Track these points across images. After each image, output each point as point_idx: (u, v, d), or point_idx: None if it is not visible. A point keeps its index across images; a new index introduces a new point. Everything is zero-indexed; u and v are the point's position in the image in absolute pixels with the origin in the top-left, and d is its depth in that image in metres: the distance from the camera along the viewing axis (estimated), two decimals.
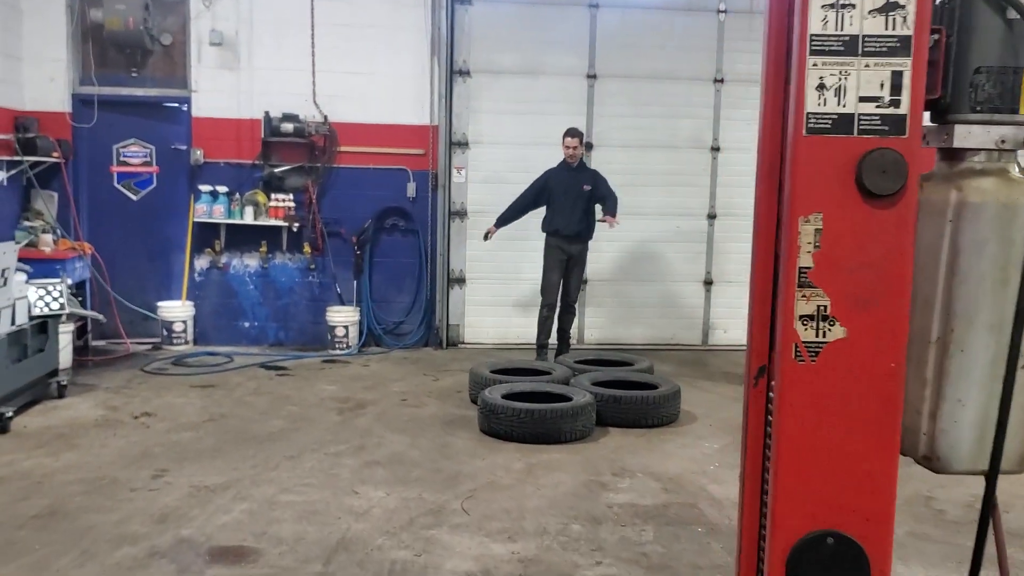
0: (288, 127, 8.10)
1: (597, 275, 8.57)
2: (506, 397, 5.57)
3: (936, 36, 1.51)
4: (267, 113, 8.09)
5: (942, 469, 1.64)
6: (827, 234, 1.40)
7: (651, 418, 5.71)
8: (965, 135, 1.62)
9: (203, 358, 7.73)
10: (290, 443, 5.28)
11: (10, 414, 5.43)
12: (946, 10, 1.55)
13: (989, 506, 1.60)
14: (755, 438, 1.55)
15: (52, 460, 4.90)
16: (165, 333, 8.09)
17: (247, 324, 8.40)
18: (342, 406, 6.18)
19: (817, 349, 1.41)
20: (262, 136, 8.12)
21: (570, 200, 7.43)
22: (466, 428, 5.64)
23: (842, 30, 1.38)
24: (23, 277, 6.18)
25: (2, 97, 7.61)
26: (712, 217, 8.70)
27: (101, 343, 8.12)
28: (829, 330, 1.41)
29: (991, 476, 1.59)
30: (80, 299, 7.07)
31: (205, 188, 8.12)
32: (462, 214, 8.46)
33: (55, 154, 7.81)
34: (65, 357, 6.92)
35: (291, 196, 8.19)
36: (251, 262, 8.38)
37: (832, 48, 1.38)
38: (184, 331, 8.11)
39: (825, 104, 1.39)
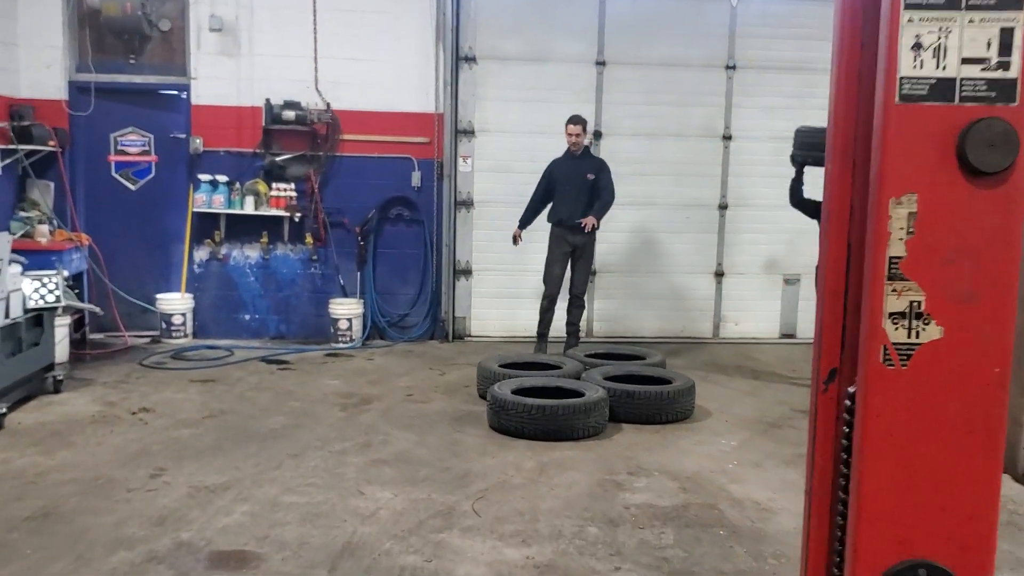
0: (289, 115, 7.91)
1: (606, 266, 8.39)
2: (516, 393, 5.39)
3: None
4: (268, 100, 7.90)
5: None
6: (923, 218, 1.21)
7: (665, 414, 5.53)
8: None
9: (203, 351, 7.55)
10: (293, 440, 5.11)
11: (4, 410, 5.26)
12: None
13: None
14: (824, 451, 1.37)
15: (47, 459, 4.72)
16: (164, 326, 7.91)
17: (248, 317, 8.22)
18: (346, 402, 6.01)
19: (909, 351, 1.23)
20: (263, 124, 7.94)
21: (573, 189, 7.25)
22: (475, 424, 5.46)
23: None
24: (18, 269, 5.99)
25: None
26: (723, 207, 8.50)
27: (99, 336, 7.95)
28: (923, 329, 1.23)
29: None
30: (77, 291, 6.90)
31: (205, 177, 7.93)
32: (468, 204, 8.27)
33: (51, 143, 7.63)
34: (62, 351, 6.75)
35: (293, 185, 8.01)
36: (252, 253, 8.19)
37: (931, 1, 1.19)
38: (183, 324, 7.93)
39: (922, 67, 1.20)
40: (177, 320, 7.91)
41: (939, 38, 1.20)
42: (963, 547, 1.18)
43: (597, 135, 8.28)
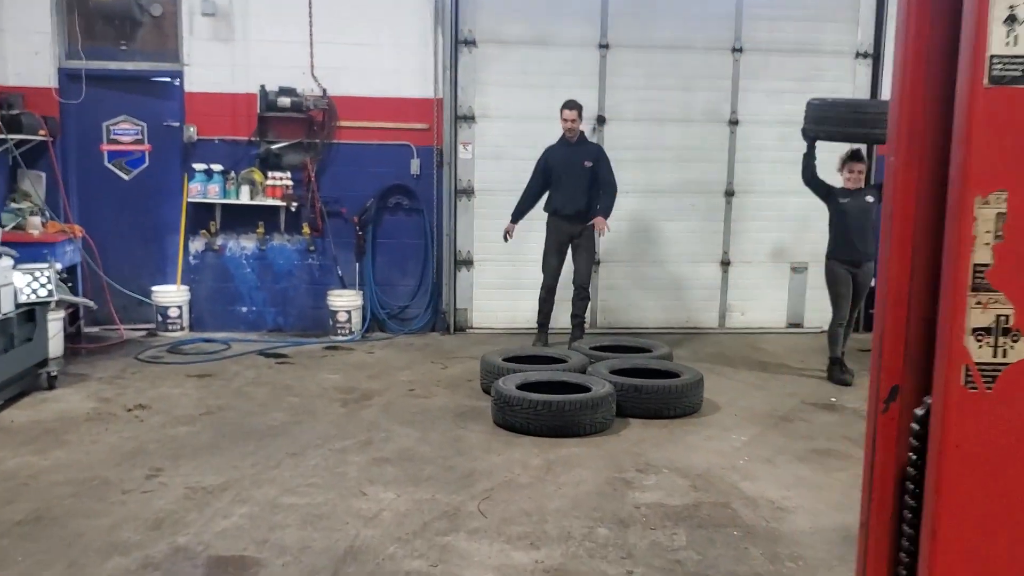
0: (285, 101, 7.72)
1: (609, 256, 8.24)
2: (521, 388, 5.25)
3: None
4: (263, 87, 7.71)
5: None
6: (1014, 220, 1.06)
7: (673, 408, 5.40)
8: None
9: (199, 345, 7.41)
10: (292, 438, 4.98)
11: None
12: None
13: None
14: (884, 481, 1.22)
15: (40, 459, 4.59)
16: (160, 319, 7.77)
17: (244, 309, 8.07)
18: (346, 397, 5.87)
19: (995, 372, 1.08)
20: (258, 111, 7.75)
21: (570, 178, 7.09)
22: (479, 420, 5.32)
23: None
24: (9, 262, 5.83)
25: None
26: (730, 194, 8.34)
27: (94, 330, 7.81)
28: (1011, 347, 1.08)
29: None
30: (70, 285, 6.74)
31: (199, 167, 7.76)
32: (469, 192, 8.11)
33: (42, 132, 7.46)
34: (55, 346, 6.60)
35: (289, 174, 7.83)
36: (248, 244, 8.03)
37: None
38: (179, 317, 7.79)
39: (1016, 43, 1.05)
40: (173, 313, 7.77)
41: None
42: None
43: (600, 120, 8.11)
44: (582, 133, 7.25)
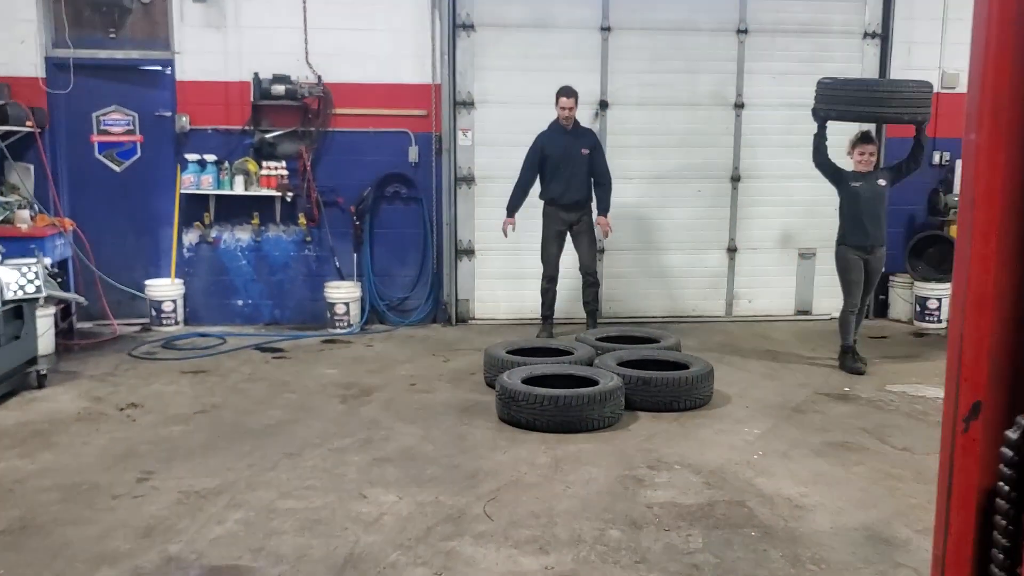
0: (279, 89, 7.52)
1: (613, 244, 8.05)
2: (526, 381, 5.09)
3: None
4: (256, 75, 7.51)
5: None
6: None
7: (683, 401, 5.23)
8: None
9: (194, 340, 7.24)
10: (289, 437, 4.81)
11: None
12: None
13: None
14: (965, 509, 1.05)
15: (27, 462, 4.42)
16: (154, 313, 7.59)
17: (240, 302, 7.89)
18: (345, 393, 5.70)
19: None
20: (251, 100, 7.55)
21: (568, 166, 6.95)
22: (483, 416, 5.16)
23: None
24: None
25: None
26: (736, 179, 8.14)
27: (87, 325, 7.63)
28: None
29: None
30: (60, 280, 6.55)
31: (192, 157, 7.56)
32: (469, 180, 7.91)
33: (29, 123, 7.26)
34: (46, 343, 6.44)
35: (284, 164, 7.64)
36: (243, 235, 7.84)
37: None
38: (174, 311, 7.61)
39: None
40: (167, 307, 7.59)
41: None
42: None
43: (603, 105, 7.90)
44: (576, 119, 7.08)
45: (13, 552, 3.45)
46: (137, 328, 7.60)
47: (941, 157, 8.23)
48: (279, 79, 7.54)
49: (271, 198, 7.68)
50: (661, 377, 5.23)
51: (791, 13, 7.96)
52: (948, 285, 8.05)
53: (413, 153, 7.80)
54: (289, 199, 7.67)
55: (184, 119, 7.61)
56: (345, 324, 7.61)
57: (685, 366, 5.50)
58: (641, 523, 3.69)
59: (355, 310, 7.68)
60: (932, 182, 8.26)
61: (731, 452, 4.58)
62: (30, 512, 3.81)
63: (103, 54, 7.66)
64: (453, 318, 7.92)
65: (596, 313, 7.29)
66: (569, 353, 5.85)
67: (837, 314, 8.17)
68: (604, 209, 7.11)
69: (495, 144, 7.82)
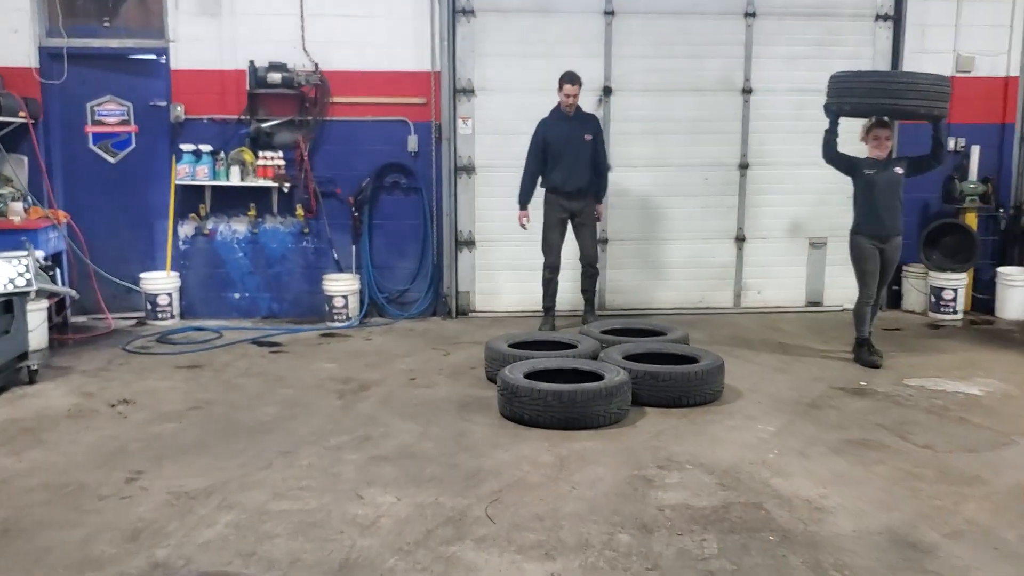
0: (275, 77, 7.34)
1: (617, 234, 7.87)
2: (529, 376, 4.91)
3: None
4: (252, 63, 7.33)
5: None
6: None
7: (693, 396, 5.04)
8: None
9: (190, 334, 7.07)
10: (284, 434, 4.64)
11: None
12: None
13: None
14: None
15: (14, 461, 4.26)
16: (149, 307, 7.43)
17: (237, 295, 7.72)
18: (343, 388, 5.53)
19: None
20: (247, 88, 7.37)
21: (571, 153, 6.80)
22: (484, 412, 4.98)
23: None
24: None
25: None
26: (744, 167, 7.94)
27: (82, 319, 7.49)
28: None
29: None
30: (51, 273, 6.39)
31: (187, 147, 7.39)
32: (469, 169, 7.71)
33: (22, 114, 7.11)
34: (38, 338, 6.30)
35: (280, 154, 7.46)
36: (239, 227, 7.67)
37: None
38: (169, 304, 7.45)
39: None
40: (163, 301, 7.42)
41: None
42: None
43: (607, 91, 7.70)
44: (579, 105, 6.92)
45: None
46: (132, 322, 7.45)
47: (956, 143, 8.00)
48: (275, 67, 7.36)
49: (268, 189, 7.50)
50: (669, 371, 5.05)
51: None
52: (964, 275, 7.85)
53: (412, 142, 7.61)
54: (286, 190, 7.49)
55: (179, 109, 7.44)
56: (344, 317, 7.44)
57: (694, 360, 5.31)
58: (652, 527, 3.51)
59: (354, 303, 7.51)
60: (947, 169, 8.01)
61: (745, 450, 4.40)
62: (14, 514, 3.65)
63: (97, 43, 7.50)
64: (453, 311, 7.74)
65: (594, 301, 7.23)
66: (573, 347, 5.67)
67: (849, 305, 8.00)
68: (599, 198, 7.10)
69: (496, 132, 7.63)
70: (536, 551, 3.31)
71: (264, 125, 7.48)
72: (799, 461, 4.27)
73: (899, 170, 6.06)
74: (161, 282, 7.45)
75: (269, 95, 7.43)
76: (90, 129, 7.62)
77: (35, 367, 5.65)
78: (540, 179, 7.00)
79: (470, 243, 7.79)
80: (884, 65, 7.92)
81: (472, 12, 7.55)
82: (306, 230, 7.66)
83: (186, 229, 7.62)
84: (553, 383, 4.75)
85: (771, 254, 8.04)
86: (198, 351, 6.51)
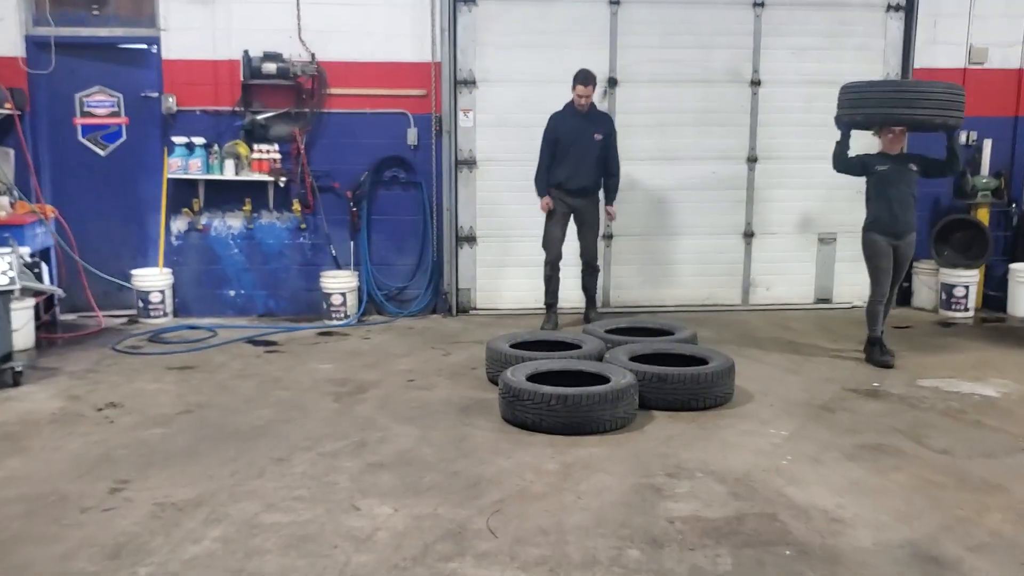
0: (270, 68, 7.13)
1: (623, 229, 7.67)
2: (531, 379, 4.72)
3: None
4: (246, 53, 7.12)
5: None
6: None
7: (703, 399, 4.86)
8: None
9: (183, 332, 6.89)
10: (278, 440, 4.45)
11: None
12: None
13: None
14: None
15: None
16: (141, 305, 7.23)
17: (232, 293, 7.53)
18: (339, 390, 5.34)
19: None
20: (241, 79, 7.16)
21: (579, 151, 6.65)
22: (485, 415, 4.79)
23: None
24: None
25: None
26: (753, 160, 7.74)
27: (71, 317, 7.29)
28: None
29: None
30: (37, 271, 6.19)
31: (179, 140, 7.19)
32: (470, 163, 7.51)
33: (8, 105, 6.94)
34: (24, 338, 6.12)
35: (276, 147, 7.26)
36: (234, 222, 7.47)
37: None
38: (162, 302, 7.25)
39: None
40: (155, 298, 7.23)
41: None
42: None
43: (612, 82, 7.49)
44: (593, 102, 6.76)
45: None
46: (123, 320, 7.26)
47: (968, 137, 7.80)
48: (270, 57, 7.15)
49: (263, 183, 7.30)
50: (678, 373, 4.86)
51: None
52: (975, 272, 7.66)
53: (412, 135, 7.41)
54: (282, 184, 7.29)
55: (171, 100, 7.23)
56: (342, 315, 7.25)
57: (704, 361, 5.12)
58: (662, 541, 3.33)
59: (352, 300, 7.32)
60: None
61: (757, 457, 4.21)
62: None
63: (86, 32, 7.29)
64: (454, 308, 7.56)
65: (596, 298, 7.11)
66: (577, 347, 5.49)
67: (859, 302, 7.86)
68: (611, 199, 6.94)
69: (498, 125, 7.43)
70: (540, 568, 3.12)
71: (259, 117, 7.28)
72: (813, 468, 4.09)
73: (913, 167, 5.88)
74: (153, 279, 7.26)
75: (264, 86, 7.23)
76: (79, 121, 7.42)
77: (19, 368, 5.46)
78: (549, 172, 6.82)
79: (471, 239, 7.59)
80: (895, 56, 7.73)
81: (474, 1, 7.34)
82: (303, 226, 7.46)
83: (179, 224, 7.43)
84: (557, 386, 4.56)
85: (780, 250, 7.85)
86: (191, 351, 6.32)
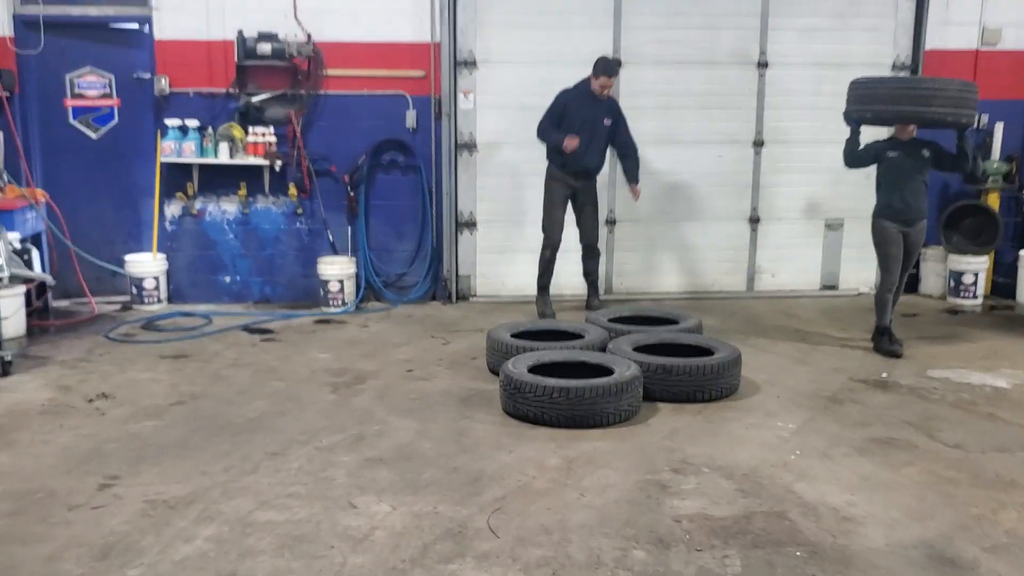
0: (265, 48, 6.96)
1: (625, 215, 7.52)
2: (533, 370, 4.61)
3: None
4: (241, 33, 6.95)
5: None
6: None
7: (708, 390, 4.74)
8: None
9: (177, 320, 6.76)
10: (273, 433, 4.34)
11: None
12: None
13: None
14: None
15: None
16: (135, 291, 7.10)
17: (228, 279, 7.39)
18: (337, 380, 5.22)
19: None
20: (236, 60, 6.98)
21: (587, 134, 6.50)
22: (485, 408, 4.68)
23: None
24: None
25: None
26: (759, 144, 7.57)
27: (64, 304, 7.16)
28: None
29: None
30: (26, 257, 6.05)
31: (172, 122, 7.03)
32: (471, 146, 7.35)
33: None
34: (15, 325, 5.98)
35: (272, 129, 7.09)
36: (229, 207, 7.32)
37: None
38: (156, 288, 7.12)
39: None
40: (149, 284, 7.10)
41: None
42: None
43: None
44: None
45: None
46: (117, 307, 7.13)
47: (979, 120, 7.63)
48: (265, 37, 6.98)
49: (259, 167, 7.15)
50: (684, 365, 4.73)
51: None
52: (985, 259, 7.53)
53: (411, 118, 7.25)
54: (278, 168, 7.13)
55: (164, 81, 7.06)
56: (339, 302, 7.12)
57: (709, 351, 5.01)
58: (669, 541, 3.22)
59: (350, 287, 7.18)
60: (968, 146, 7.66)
61: (765, 451, 4.10)
62: None
63: (76, 11, 7.11)
64: (453, 295, 7.42)
65: (598, 284, 6.97)
66: (579, 336, 5.36)
67: (865, 289, 7.74)
68: (634, 179, 6.79)
69: (499, 107, 7.26)
70: (543, 569, 3.02)
71: (254, 99, 7.11)
72: (823, 463, 3.98)
73: (926, 153, 5.74)
74: (147, 265, 7.12)
75: (259, 67, 7.06)
76: (70, 102, 7.25)
77: (9, 358, 5.33)
78: (545, 152, 6.66)
79: (471, 224, 7.45)
80: (906, 37, 7.55)
81: None
82: (299, 210, 7.32)
83: (173, 209, 7.28)
84: (559, 377, 4.44)
85: (786, 236, 7.70)
86: (185, 339, 6.19)
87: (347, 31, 7.11)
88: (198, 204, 7.27)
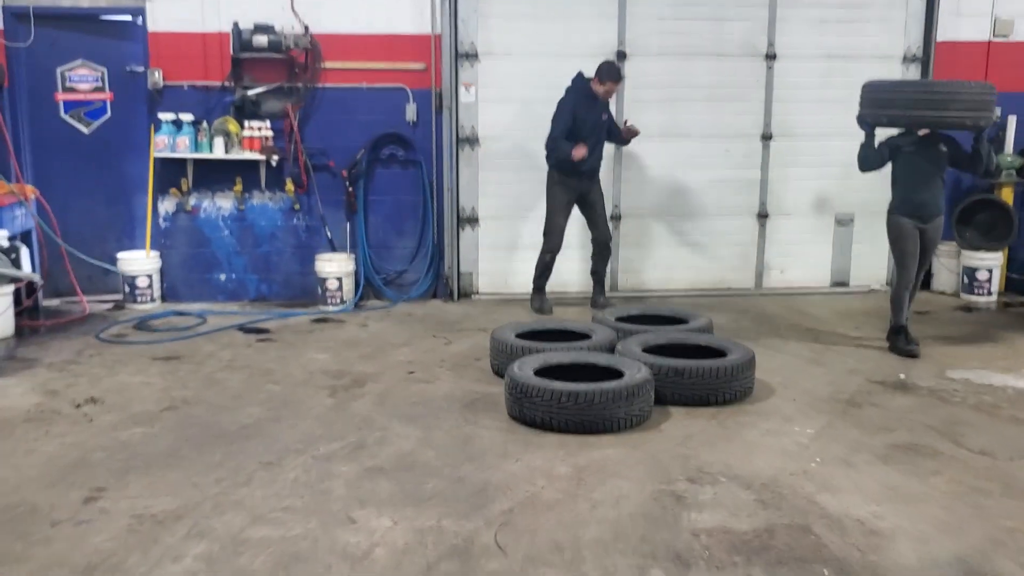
0: (262, 40, 6.76)
1: (631, 210, 7.34)
2: (539, 373, 4.42)
3: None
4: (236, 24, 6.75)
5: None
6: None
7: (722, 394, 4.56)
8: None
9: (171, 319, 6.57)
10: (268, 441, 4.15)
11: None
12: None
13: None
14: None
15: None
16: (128, 289, 6.91)
17: (223, 277, 7.20)
18: (335, 383, 5.03)
19: None
20: (231, 53, 6.78)
21: (593, 138, 6.43)
22: (491, 412, 4.49)
23: None
24: None
25: None
26: (767, 138, 7.38)
27: (55, 303, 6.97)
28: None
29: None
30: (14, 256, 5.86)
31: (166, 117, 6.83)
32: (472, 140, 7.15)
33: None
34: (2, 326, 5.86)
35: (268, 123, 6.89)
36: (224, 203, 7.12)
37: None
38: (149, 287, 6.93)
39: None
40: (142, 283, 6.90)
41: None
42: None
43: (620, 55, 7.11)
44: None
45: None
46: (109, 306, 6.94)
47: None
48: (261, 29, 6.78)
49: (255, 162, 6.95)
50: (696, 367, 4.55)
51: None
52: (999, 254, 7.35)
53: (411, 111, 7.05)
54: (275, 163, 6.94)
55: (157, 74, 6.87)
56: (338, 301, 6.93)
57: (722, 352, 4.82)
58: (688, 558, 3.04)
59: (348, 285, 6.99)
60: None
61: (784, 459, 3.92)
62: None
63: (67, 2, 6.92)
64: (455, 293, 7.24)
65: (603, 282, 6.85)
66: (586, 337, 5.17)
67: (877, 286, 7.57)
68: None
69: (502, 100, 7.06)
70: None
71: (250, 92, 6.91)
72: (845, 472, 3.80)
73: (944, 148, 5.55)
74: (140, 263, 6.93)
75: (255, 60, 6.85)
76: (61, 96, 7.05)
77: None
78: (545, 153, 6.52)
79: (473, 220, 7.25)
80: (917, 28, 7.36)
81: None
82: (297, 206, 7.12)
83: (167, 205, 7.09)
84: (567, 380, 4.26)
85: (795, 231, 7.52)
86: (178, 339, 6.00)
87: (345, 23, 6.92)
88: (192, 200, 7.08)
